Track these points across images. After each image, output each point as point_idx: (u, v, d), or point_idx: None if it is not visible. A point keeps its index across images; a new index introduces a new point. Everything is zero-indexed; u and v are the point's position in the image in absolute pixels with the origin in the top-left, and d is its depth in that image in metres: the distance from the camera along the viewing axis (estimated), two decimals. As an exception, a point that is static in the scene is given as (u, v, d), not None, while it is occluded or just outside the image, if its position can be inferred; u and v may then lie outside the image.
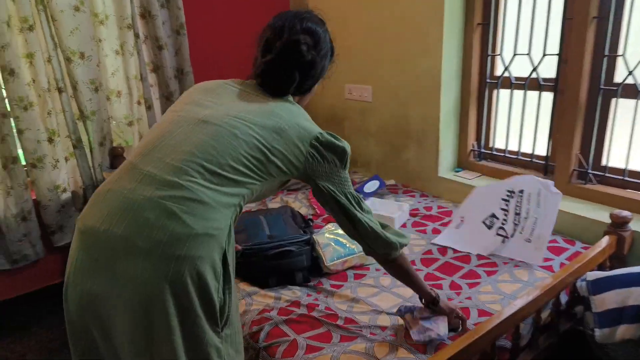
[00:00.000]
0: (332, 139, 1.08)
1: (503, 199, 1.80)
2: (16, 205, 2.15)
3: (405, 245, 1.21)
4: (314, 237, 1.69)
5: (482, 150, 2.28)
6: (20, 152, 2.14)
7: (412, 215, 2.08)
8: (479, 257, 1.69)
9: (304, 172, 1.06)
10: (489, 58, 2.14)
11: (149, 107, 2.46)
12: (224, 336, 0.94)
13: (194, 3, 2.54)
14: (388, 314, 1.39)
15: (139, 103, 2.47)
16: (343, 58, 2.54)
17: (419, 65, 2.23)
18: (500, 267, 1.62)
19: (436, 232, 1.92)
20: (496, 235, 1.75)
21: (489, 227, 1.80)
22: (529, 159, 2.09)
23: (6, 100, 2.05)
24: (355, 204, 1.12)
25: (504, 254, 1.68)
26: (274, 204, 2.33)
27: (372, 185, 2.21)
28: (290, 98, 1.13)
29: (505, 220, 1.76)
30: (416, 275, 1.27)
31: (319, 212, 2.18)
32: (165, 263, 0.85)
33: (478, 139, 2.28)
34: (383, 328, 1.33)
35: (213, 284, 0.89)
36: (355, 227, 1.13)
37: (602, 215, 1.76)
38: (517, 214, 1.73)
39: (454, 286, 1.53)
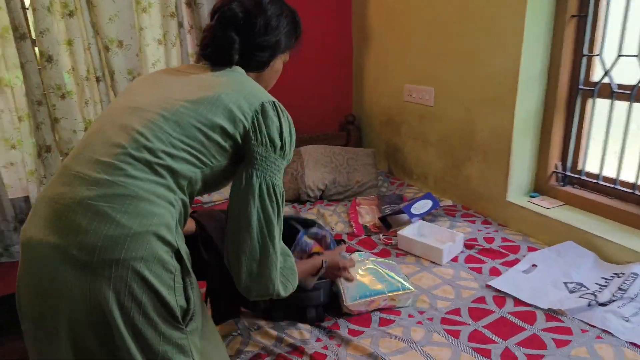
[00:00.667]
0: (280, 111, 0.98)
1: (604, 277, 1.41)
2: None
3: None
4: None
5: (568, 174, 1.83)
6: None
7: (467, 246, 1.71)
8: (549, 316, 1.30)
9: (244, 151, 0.94)
10: (585, 59, 1.70)
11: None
12: (189, 331, 0.86)
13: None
14: (411, 383, 1.07)
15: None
16: (403, 55, 2.21)
17: (490, 64, 1.84)
18: (577, 335, 1.22)
19: (495, 272, 1.54)
20: (581, 297, 1.35)
21: (571, 292, 1.39)
22: (631, 190, 1.62)
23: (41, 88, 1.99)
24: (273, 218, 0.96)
25: (584, 319, 1.27)
26: (308, 214, 2.07)
27: (422, 206, 1.86)
28: (239, 69, 1.03)
29: (599, 291, 1.36)
30: (300, 272, 1.12)
31: (355, 231, 1.89)
32: (106, 270, 0.77)
33: (563, 159, 1.84)
34: (401, 404, 1.02)
35: (166, 285, 0.81)
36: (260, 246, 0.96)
37: None
38: (621, 289, 1.32)
39: (507, 356, 1.16)
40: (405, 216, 1.83)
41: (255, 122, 0.93)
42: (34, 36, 1.95)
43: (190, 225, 1.20)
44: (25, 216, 2.07)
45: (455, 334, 1.25)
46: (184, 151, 0.87)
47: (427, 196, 1.92)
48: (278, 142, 0.95)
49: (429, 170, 2.32)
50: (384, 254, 1.70)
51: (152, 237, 0.80)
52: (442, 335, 1.25)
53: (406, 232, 1.72)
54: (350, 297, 1.32)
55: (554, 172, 1.86)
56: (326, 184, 2.24)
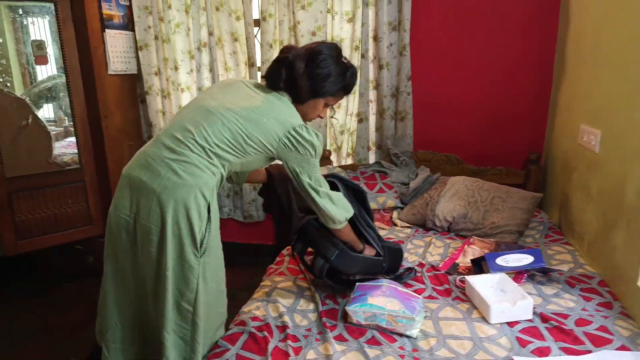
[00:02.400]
0: (303, 132, 1.37)
1: None
2: (251, 176, 2.89)
3: (348, 217, 1.51)
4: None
5: None
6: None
7: (544, 319, 1.42)
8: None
9: (278, 156, 1.40)
10: None
11: (361, 120, 2.67)
12: (201, 262, 1.31)
13: (421, 25, 2.52)
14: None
15: (356, 115, 2.71)
16: (588, 92, 1.95)
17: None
18: None
19: (542, 354, 1.26)
20: None
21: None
22: None
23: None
24: (315, 186, 1.42)
25: None
26: (420, 240, 2.08)
27: (516, 259, 1.62)
28: (284, 97, 1.43)
29: None
30: (351, 236, 1.58)
31: (441, 265, 1.82)
32: (169, 201, 1.27)
33: None
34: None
35: (197, 221, 1.29)
36: (313, 203, 1.45)
37: None
38: None
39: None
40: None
41: (286, 140, 1.36)
42: (259, 64, 2.73)
43: (262, 173, 1.79)
44: (240, 191, 2.92)
45: None
46: (228, 146, 1.34)
47: (532, 251, 1.65)
48: (308, 151, 1.38)
49: (586, 230, 1.90)
50: (444, 292, 1.61)
51: (198, 190, 1.29)
52: None
53: (475, 279, 1.57)
54: (352, 303, 1.42)
55: None
56: (454, 217, 2.17)
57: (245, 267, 3.01)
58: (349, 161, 2.83)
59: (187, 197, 1.27)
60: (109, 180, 2.77)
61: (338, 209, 1.46)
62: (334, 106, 2.72)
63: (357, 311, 1.41)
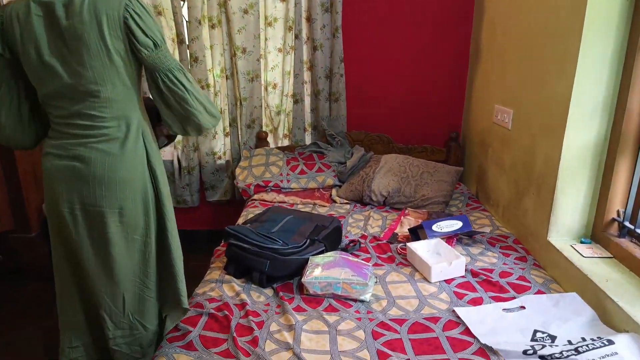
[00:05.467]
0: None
1: (584, 337, 1.25)
2: (185, 160, 2.83)
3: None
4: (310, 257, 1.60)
5: (627, 225, 1.52)
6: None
7: (473, 274, 1.63)
8: (481, 351, 1.22)
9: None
10: (664, 89, 1.40)
11: (297, 101, 2.73)
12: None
13: (352, 8, 2.62)
14: None
15: (292, 97, 2.77)
16: (500, 75, 2.22)
17: (553, 87, 1.67)
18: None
19: (476, 303, 1.46)
20: (542, 348, 1.21)
21: (533, 340, 1.26)
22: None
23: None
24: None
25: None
26: (359, 215, 2.23)
27: (448, 225, 1.82)
28: None
29: (556, 345, 1.21)
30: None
31: (382, 236, 1.97)
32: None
33: (627, 205, 1.54)
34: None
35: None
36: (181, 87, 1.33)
37: None
38: (578, 350, 1.16)
39: (405, 367, 1.18)
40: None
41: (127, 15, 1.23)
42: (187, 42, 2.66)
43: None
44: (171, 175, 2.85)
45: (390, 346, 1.27)
46: (114, 85, 1.29)
47: (460, 217, 1.86)
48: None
49: (500, 199, 2.17)
50: (388, 260, 1.77)
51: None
52: (378, 344, 1.28)
53: (416, 245, 1.74)
54: (308, 275, 1.51)
55: (613, 219, 1.57)
56: (389, 191, 2.34)
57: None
58: (286, 142, 2.88)
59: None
60: (17, 171, 2.54)
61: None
62: (270, 87, 2.77)
63: (314, 282, 1.50)
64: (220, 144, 2.87)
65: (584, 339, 1.22)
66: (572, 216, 1.65)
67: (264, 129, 2.83)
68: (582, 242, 1.63)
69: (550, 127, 1.67)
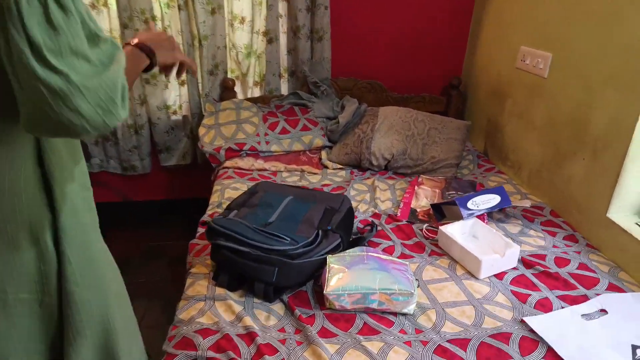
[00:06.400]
0: None
1: None
2: (130, 116, 2.25)
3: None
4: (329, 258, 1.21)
5: None
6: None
7: (526, 264, 1.33)
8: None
9: None
10: None
11: (270, 40, 2.20)
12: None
13: None
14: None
15: (263, 34, 2.22)
16: (524, 10, 1.76)
17: (624, 31, 1.31)
18: None
19: (544, 307, 1.16)
20: None
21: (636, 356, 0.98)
22: None
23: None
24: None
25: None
26: (361, 184, 1.84)
27: (485, 200, 1.49)
28: None
29: None
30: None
31: (399, 214, 1.61)
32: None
33: None
34: None
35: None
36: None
37: None
38: None
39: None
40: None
41: None
42: None
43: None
44: (113, 136, 2.27)
45: None
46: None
47: (497, 190, 1.53)
48: None
49: (526, 161, 1.86)
50: (417, 248, 1.42)
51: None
52: None
53: (451, 228, 1.40)
54: (332, 286, 1.13)
55: (693, 193, 1.31)
56: (393, 154, 1.96)
57: (138, 230, 2.48)
58: (257, 92, 2.37)
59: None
60: None
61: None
62: (236, 21, 2.20)
63: (341, 295, 1.12)
64: (174, 96, 2.31)
65: None
66: (636, 186, 1.37)
67: (229, 75, 2.29)
68: (647, 220, 1.37)
69: (623, 80, 1.32)
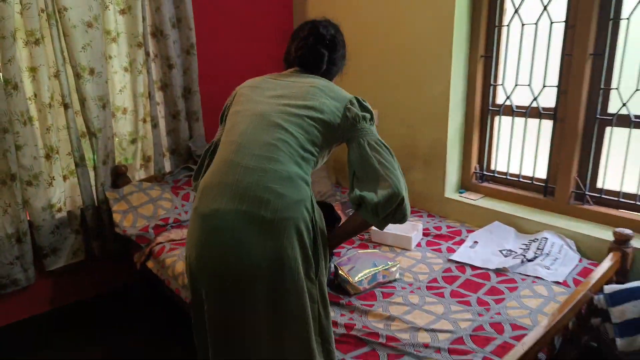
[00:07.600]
0: (361, 101, 1.31)
1: (524, 244, 1.94)
2: (12, 224, 2.04)
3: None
4: (334, 264, 1.72)
5: (484, 173, 2.40)
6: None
7: (424, 234, 2.15)
8: (497, 274, 1.77)
9: (342, 129, 1.27)
10: (492, 87, 2.28)
11: (155, 125, 2.42)
12: (316, 282, 1.21)
13: (204, 24, 2.55)
14: (426, 330, 1.43)
15: (144, 121, 2.43)
16: (353, 80, 2.56)
17: (428, 91, 2.34)
18: (520, 283, 1.70)
19: (450, 250, 1.99)
20: (514, 258, 1.85)
21: (506, 256, 1.89)
22: (530, 181, 2.22)
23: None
24: (386, 145, 1.32)
25: (521, 272, 1.77)
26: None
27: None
28: (322, 77, 1.37)
29: (524, 253, 1.88)
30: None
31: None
32: (280, 224, 1.12)
33: (480, 162, 2.40)
34: (425, 344, 1.37)
35: (307, 238, 1.17)
36: (388, 167, 1.30)
37: (601, 233, 1.89)
38: (540, 249, 1.87)
39: (481, 302, 1.59)
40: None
41: (347, 112, 1.27)
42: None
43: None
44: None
45: (441, 295, 1.65)
46: (309, 144, 1.23)
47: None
48: (368, 116, 1.30)
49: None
50: (363, 247, 2.05)
51: (303, 205, 1.17)
52: (432, 297, 1.63)
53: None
54: (354, 277, 1.65)
55: (474, 172, 2.42)
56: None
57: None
58: (143, 174, 2.50)
59: (297, 214, 1.15)
60: None
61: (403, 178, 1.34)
62: (119, 112, 2.33)
63: (361, 279, 1.66)
64: (59, 192, 2.21)
65: (525, 244, 1.95)
66: (453, 176, 2.40)
67: (116, 162, 2.36)
68: (460, 193, 2.41)
69: (434, 118, 2.34)
